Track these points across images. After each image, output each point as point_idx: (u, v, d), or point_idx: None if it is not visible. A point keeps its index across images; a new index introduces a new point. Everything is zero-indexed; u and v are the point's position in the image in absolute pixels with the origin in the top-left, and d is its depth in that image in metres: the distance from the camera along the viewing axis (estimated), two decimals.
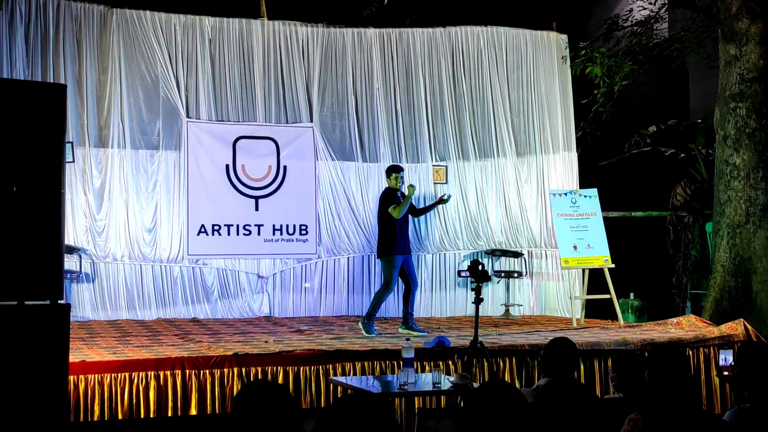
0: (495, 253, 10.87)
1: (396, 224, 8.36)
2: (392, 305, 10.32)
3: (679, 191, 12.07)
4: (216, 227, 10.11)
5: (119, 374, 6.00)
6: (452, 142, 11.01)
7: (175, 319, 9.60)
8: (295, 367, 6.45)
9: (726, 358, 6.51)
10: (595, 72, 10.26)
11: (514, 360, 6.98)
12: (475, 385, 5.52)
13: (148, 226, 9.95)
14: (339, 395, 6.45)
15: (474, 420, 2.84)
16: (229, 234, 10.15)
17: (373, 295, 9.21)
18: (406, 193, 8.44)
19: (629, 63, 10.15)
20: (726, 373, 6.48)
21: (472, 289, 6.72)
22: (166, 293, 9.89)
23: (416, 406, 6.17)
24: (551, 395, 3.28)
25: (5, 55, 9.37)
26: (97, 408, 5.90)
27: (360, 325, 8.34)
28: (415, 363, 5.84)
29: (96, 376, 5.94)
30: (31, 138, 4.80)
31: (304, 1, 11.61)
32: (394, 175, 8.56)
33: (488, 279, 6.79)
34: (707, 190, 11.19)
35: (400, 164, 9.53)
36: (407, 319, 8.46)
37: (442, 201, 8.84)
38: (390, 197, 8.48)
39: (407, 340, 5.83)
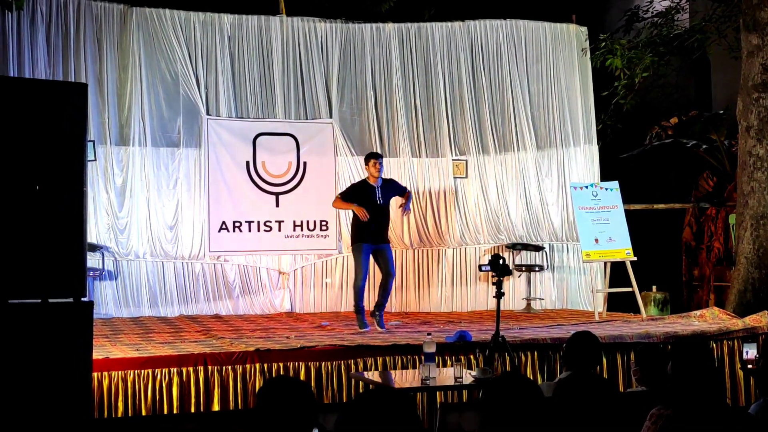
0: (516, 246, 10.84)
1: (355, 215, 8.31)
2: (413, 300, 10.35)
3: (701, 183, 11.98)
4: (237, 224, 10.14)
5: (142, 371, 6.04)
6: (472, 136, 10.98)
7: (197, 316, 9.65)
8: (317, 363, 6.46)
9: (749, 351, 6.46)
10: (615, 64, 10.20)
11: (536, 354, 6.96)
12: None
13: (170, 224, 10.00)
14: (361, 390, 6.46)
15: (490, 411, 2.84)
16: (249, 230, 10.19)
17: (393, 290, 9.24)
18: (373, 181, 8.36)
19: (650, 54, 10.08)
20: (750, 366, 6.43)
21: (494, 284, 6.70)
22: (188, 290, 9.94)
23: (438, 401, 6.17)
24: (573, 389, 3.27)
25: (27, 55, 9.44)
26: (120, 404, 5.94)
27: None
28: (436, 357, 5.84)
29: (119, 372, 5.98)
30: (53, 137, 4.84)
31: None
32: (372, 161, 8.42)
33: (509, 273, 6.77)
34: (730, 182, 11.10)
35: (378, 152, 9.34)
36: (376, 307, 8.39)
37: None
38: (352, 188, 8.56)
39: (428, 334, 5.83)
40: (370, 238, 8.27)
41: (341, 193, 8.61)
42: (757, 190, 8.76)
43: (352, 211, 8.35)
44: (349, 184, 8.88)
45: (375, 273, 8.67)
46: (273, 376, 6.20)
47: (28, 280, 4.71)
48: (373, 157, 8.49)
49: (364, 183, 8.52)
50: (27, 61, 9.42)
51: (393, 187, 8.64)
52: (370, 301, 10.19)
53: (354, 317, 8.41)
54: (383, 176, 8.60)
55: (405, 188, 8.83)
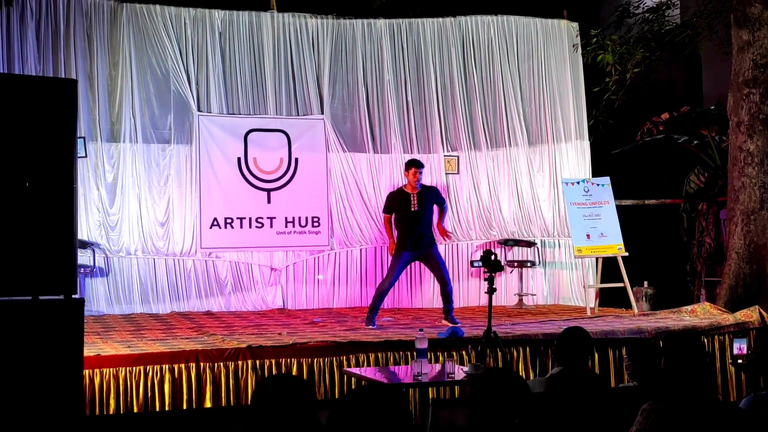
0: (508, 242, 10.85)
1: (402, 220, 8.44)
2: (405, 297, 10.34)
3: (692, 178, 12.01)
4: (228, 220, 10.13)
5: (134, 368, 6.03)
6: (464, 132, 10.98)
7: (189, 313, 9.64)
8: (309, 359, 6.46)
9: (740, 346, 6.48)
10: (606, 60, 10.21)
11: (528, 349, 6.98)
12: None
13: (161, 220, 9.98)
14: (353, 386, 6.46)
15: (478, 406, 2.86)
16: (241, 227, 10.17)
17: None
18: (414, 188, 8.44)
19: (641, 50, 10.10)
20: (740, 361, 6.46)
21: (485, 279, 6.71)
22: (179, 287, 9.92)
23: (430, 397, 6.18)
24: (564, 384, 3.28)
25: (17, 51, 9.40)
26: (112, 402, 5.93)
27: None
28: (428, 353, 5.84)
29: (111, 369, 5.97)
30: (43, 134, 4.82)
31: None
32: (413, 169, 8.51)
33: (501, 269, 6.78)
34: (721, 177, 11.13)
35: (419, 160, 9.15)
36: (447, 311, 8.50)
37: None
38: (389, 200, 8.65)
39: (420, 330, 5.83)
40: (408, 244, 8.36)
41: (384, 209, 8.72)
42: (747, 185, 8.79)
43: (395, 216, 8.50)
44: (389, 194, 8.96)
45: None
46: (271, 374, 6.19)
47: (19, 278, 4.69)
48: (413, 165, 8.55)
49: (399, 191, 8.66)
50: (17, 57, 9.37)
51: (433, 194, 8.72)
52: (347, 295, 10.36)
53: (347, 313, 8.43)
54: (424, 183, 8.76)
55: (444, 201, 8.95)
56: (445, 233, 8.97)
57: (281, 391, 2.87)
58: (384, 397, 2.63)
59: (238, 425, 6.17)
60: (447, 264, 10.63)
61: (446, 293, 8.41)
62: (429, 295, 10.53)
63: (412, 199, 8.44)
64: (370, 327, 8.03)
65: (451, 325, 8.05)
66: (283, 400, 2.84)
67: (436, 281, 8.90)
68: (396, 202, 8.54)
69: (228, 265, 10.17)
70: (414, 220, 8.41)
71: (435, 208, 8.71)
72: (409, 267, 10.36)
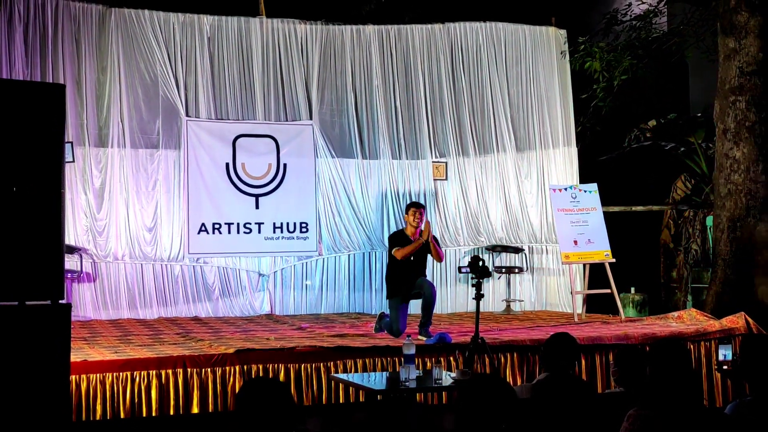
0: (496, 248, 10.87)
1: (399, 265, 7.80)
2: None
3: (679, 185, 12.08)
4: (216, 226, 10.11)
5: (121, 373, 6.01)
6: (452, 138, 11.01)
7: (176, 318, 9.61)
8: (297, 365, 6.46)
9: (725, 353, 6.51)
10: (594, 67, 10.27)
11: (515, 355, 6.99)
12: None
13: (149, 225, 9.95)
14: (341, 392, 6.46)
15: (464, 412, 2.87)
16: (229, 232, 10.16)
17: (373, 291, 9.06)
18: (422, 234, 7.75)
19: (628, 57, 10.16)
20: (725, 367, 6.49)
21: (473, 285, 6.71)
22: (167, 292, 9.89)
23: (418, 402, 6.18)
24: (551, 390, 3.29)
25: (4, 55, 9.36)
26: (99, 407, 5.90)
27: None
28: (416, 359, 5.85)
29: (98, 375, 5.94)
30: (30, 138, 4.81)
31: None
32: (412, 210, 7.89)
33: (489, 275, 6.78)
34: (707, 184, 11.19)
35: (420, 202, 8.84)
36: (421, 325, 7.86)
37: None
38: (394, 239, 7.95)
39: (408, 336, 5.84)
40: (403, 292, 7.80)
41: (393, 247, 7.85)
42: (733, 192, 8.84)
43: (389, 262, 7.95)
44: (391, 236, 8.18)
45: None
46: (252, 377, 6.19)
47: (5, 283, 4.67)
48: (413, 207, 7.94)
49: (401, 233, 7.98)
50: (4, 61, 9.34)
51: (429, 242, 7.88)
52: (335, 301, 10.27)
53: (335, 318, 8.35)
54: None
55: (439, 246, 8.12)
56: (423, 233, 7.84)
57: (259, 394, 2.91)
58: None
59: (223, 430, 6.15)
60: (435, 270, 10.66)
61: (428, 304, 7.79)
62: (416, 300, 10.51)
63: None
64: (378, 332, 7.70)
65: (425, 339, 7.42)
66: (261, 403, 2.87)
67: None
68: (401, 241, 7.83)
69: (216, 271, 10.15)
70: (414, 266, 7.86)
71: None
72: None
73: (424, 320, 7.80)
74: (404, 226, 8.19)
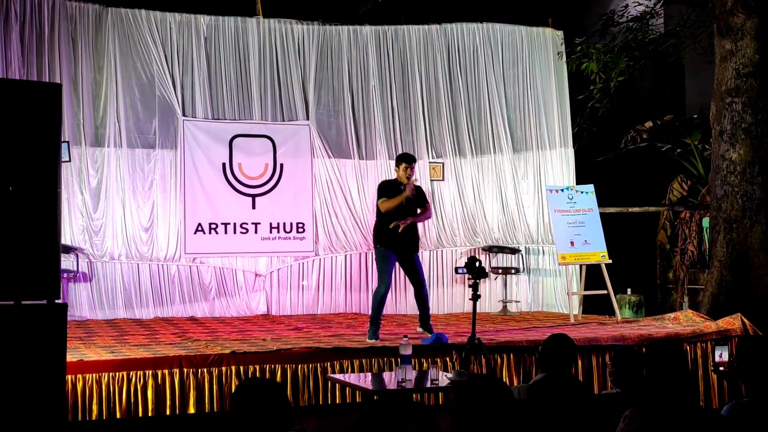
0: (492, 249, 10.88)
1: (386, 216, 7.70)
2: (389, 303, 10.32)
3: (675, 187, 12.09)
4: (213, 226, 10.10)
5: (117, 373, 6.00)
6: (449, 138, 11.01)
7: (172, 318, 9.60)
8: (293, 365, 6.45)
9: (722, 354, 6.52)
10: (591, 68, 10.27)
11: (512, 356, 6.99)
12: None
13: (145, 225, 9.94)
14: (337, 393, 6.46)
15: (461, 413, 2.87)
16: (226, 232, 10.15)
17: (370, 291, 9.03)
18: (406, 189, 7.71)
19: (625, 59, 10.16)
20: (722, 368, 6.50)
21: (470, 286, 6.71)
22: (163, 292, 9.88)
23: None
24: (547, 391, 3.29)
25: (0, 54, 9.35)
26: (95, 407, 5.89)
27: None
28: (413, 360, 5.84)
29: (94, 375, 5.93)
30: (26, 138, 4.79)
31: None
32: (403, 164, 7.81)
33: (485, 275, 6.78)
34: (704, 185, 11.21)
35: (411, 154, 8.76)
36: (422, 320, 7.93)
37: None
38: (383, 188, 7.87)
39: (405, 337, 5.84)
40: (395, 244, 7.68)
41: (381, 197, 7.77)
42: (730, 193, 8.85)
43: (377, 212, 7.82)
44: (378, 185, 8.09)
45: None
46: (247, 378, 6.18)
47: (1, 282, 4.66)
48: (403, 161, 7.84)
49: (394, 182, 7.90)
50: (0, 60, 9.32)
51: (420, 195, 7.96)
52: (332, 301, 10.20)
53: (331, 319, 8.36)
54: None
55: (427, 201, 8.13)
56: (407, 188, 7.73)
57: (254, 394, 2.90)
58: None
59: (219, 431, 6.15)
60: (431, 270, 10.67)
61: (422, 297, 7.86)
62: (413, 301, 10.51)
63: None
64: (372, 341, 7.34)
65: (427, 333, 7.53)
66: (256, 404, 2.87)
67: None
68: (391, 190, 7.78)
69: (212, 271, 10.14)
70: (400, 216, 7.72)
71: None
72: (393, 273, 10.34)
73: (423, 314, 7.89)
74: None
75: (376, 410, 2.72)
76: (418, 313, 8.07)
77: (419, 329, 7.97)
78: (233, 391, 3.03)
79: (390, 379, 5.81)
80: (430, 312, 8.15)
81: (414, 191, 7.78)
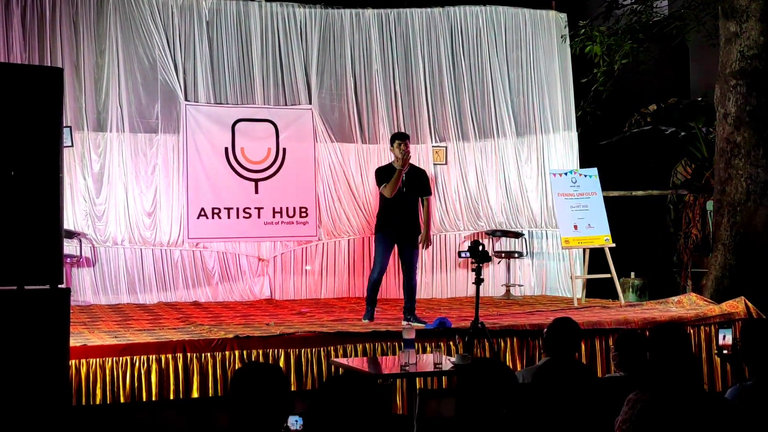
0: (495, 233, 10.86)
1: (386, 203, 7.77)
2: (392, 287, 10.33)
3: (679, 170, 12.05)
4: (216, 210, 10.10)
5: (121, 358, 6.01)
6: (452, 122, 10.97)
7: (176, 303, 9.61)
8: (296, 350, 6.46)
9: (725, 336, 6.51)
10: (594, 51, 10.20)
11: (515, 340, 6.99)
12: None
13: (148, 210, 9.93)
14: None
15: (465, 396, 2.87)
16: (229, 217, 10.14)
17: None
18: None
19: (629, 41, 10.09)
20: (725, 351, 6.49)
21: (473, 270, 6.71)
22: (166, 277, 9.89)
23: (418, 387, 6.18)
24: (552, 375, 3.28)
25: (2, 39, 9.32)
26: (99, 392, 5.91)
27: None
28: (416, 344, 5.85)
29: (97, 360, 5.95)
30: (28, 122, 4.79)
31: None
32: (397, 142, 7.80)
33: (489, 259, 6.77)
34: (708, 169, 11.17)
35: (404, 132, 8.75)
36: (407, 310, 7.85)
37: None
38: (380, 174, 7.91)
39: (408, 321, 5.83)
40: (392, 231, 7.77)
41: (380, 184, 7.84)
42: (734, 177, 8.81)
43: (380, 198, 7.85)
44: (375, 172, 8.12)
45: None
46: (246, 362, 6.19)
47: (4, 267, 4.66)
48: (397, 138, 7.84)
49: (389, 166, 7.91)
50: (2, 45, 9.30)
51: (421, 181, 7.96)
52: (335, 286, 10.19)
53: (335, 303, 8.36)
54: (414, 164, 8.02)
55: (429, 191, 8.16)
56: (426, 238, 8.02)
57: (254, 379, 2.90)
58: (361, 387, 2.66)
59: (221, 415, 6.16)
60: (435, 255, 10.66)
61: (411, 288, 7.82)
62: (418, 283, 10.53)
63: (402, 177, 7.80)
64: (367, 321, 7.60)
65: (415, 325, 7.22)
66: (256, 388, 2.86)
67: (419, 269, 8.38)
68: (385, 177, 7.81)
69: (215, 256, 10.15)
70: (403, 203, 7.79)
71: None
72: (395, 257, 10.34)
73: (408, 303, 7.81)
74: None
75: (381, 394, 2.70)
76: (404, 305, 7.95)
77: (404, 323, 7.61)
78: (233, 374, 3.00)
79: (393, 363, 5.82)
80: (435, 297, 8.17)
81: (408, 166, 7.81)
